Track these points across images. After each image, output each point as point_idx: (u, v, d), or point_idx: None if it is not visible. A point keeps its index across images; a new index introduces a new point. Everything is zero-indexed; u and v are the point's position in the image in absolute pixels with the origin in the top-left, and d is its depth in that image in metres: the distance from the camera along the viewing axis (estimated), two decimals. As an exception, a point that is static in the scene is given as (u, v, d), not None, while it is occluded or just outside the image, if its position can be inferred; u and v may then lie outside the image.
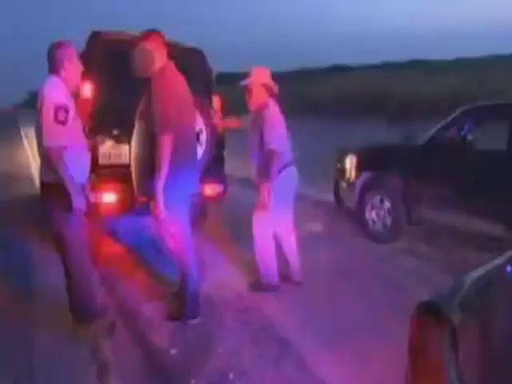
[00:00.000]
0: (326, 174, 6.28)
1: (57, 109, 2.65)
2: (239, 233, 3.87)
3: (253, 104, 3.57)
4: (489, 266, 1.15)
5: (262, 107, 3.52)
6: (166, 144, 2.83)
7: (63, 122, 2.68)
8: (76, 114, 2.84)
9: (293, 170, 3.65)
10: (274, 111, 3.53)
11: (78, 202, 2.74)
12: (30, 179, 8.29)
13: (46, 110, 2.66)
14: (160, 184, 2.85)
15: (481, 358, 0.96)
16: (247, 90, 3.57)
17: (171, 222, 3.02)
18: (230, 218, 3.86)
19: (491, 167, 4.32)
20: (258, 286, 3.66)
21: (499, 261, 1.16)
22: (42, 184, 2.87)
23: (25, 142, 15.36)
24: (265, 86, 3.53)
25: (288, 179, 3.58)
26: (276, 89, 3.60)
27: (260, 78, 3.55)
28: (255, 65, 3.63)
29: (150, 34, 3.05)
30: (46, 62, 2.88)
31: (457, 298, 1.01)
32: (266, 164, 3.43)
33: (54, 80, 2.79)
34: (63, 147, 2.69)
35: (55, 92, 2.73)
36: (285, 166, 3.53)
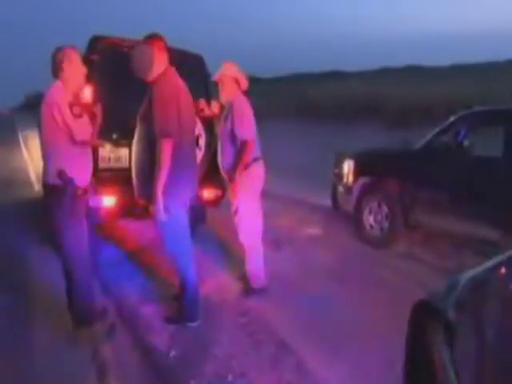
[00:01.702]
0: (323, 178, 6.31)
1: (71, 105, 2.70)
2: (238, 236, 3.89)
3: (224, 96, 3.63)
4: (483, 267, 1.18)
5: (233, 99, 3.57)
6: (166, 149, 2.85)
7: (80, 116, 2.72)
8: (82, 117, 2.88)
9: (261, 165, 3.67)
10: (244, 104, 3.58)
11: (81, 205, 2.76)
12: (28, 183, 8.30)
13: (60, 110, 2.70)
14: (159, 187, 2.88)
15: (476, 355, 0.99)
16: (220, 83, 3.62)
17: (170, 225, 3.04)
18: (228, 222, 3.88)
19: (487, 172, 4.36)
20: (249, 290, 3.69)
21: (494, 262, 1.19)
22: (45, 186, 2.90)
23: (22, 146, 15.35)
24: (235, 79, 3.59)
25: (257, 173, 3.61)
26: (246, 83, 3.65)
27: (230, 71, 3.60)
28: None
29: (151, 37, 3.08)
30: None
31: (452, 296, 1.04)
32: (238, 155, 3.47)
33: (56, 83, 2.83)
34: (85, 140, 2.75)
35: (57, 93, 2.76)
36: (254, 160, 3.56)
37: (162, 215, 2.94)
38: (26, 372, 2.64)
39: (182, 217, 3.11)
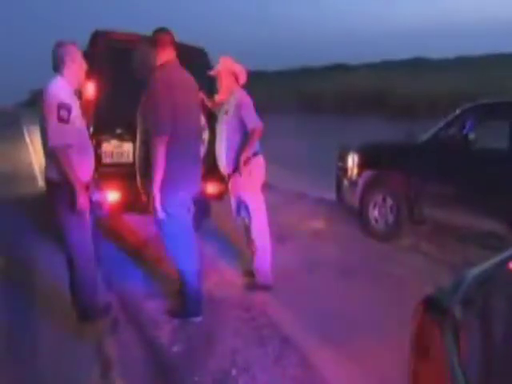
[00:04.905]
0: (327, 172, 6.28)
1: (59, 107, 2.67)
2: (241, 231, 3.88)
3: (224, 91, 3.61)
4: (490, 262, 1.15)
5: (234, 93, 3.55)
6: (159, 146, 2.80)
7: (66, 121, 2.70)
8: (80, 113, 2.87)
9: (261, 160, 3.66)
10: (245, 96, 3.57)
11: (83, 201, 2.75)
12: (33, 178, 8.31)
13: (49, 109, 2.68)
14: (156, 186, 2.84)
15: (483, 353, 0.97)
16: (218, 78, 3.60)
17: (169, 223, 3.00)
18: (232, 216, 3.87)
19: (493, 166, 4.31)
20: (253, 286, 3.68)
21: (501, 257, 1.16)
22: (47, 182, 2.89)
23: (27, 141, 15.39)
24: (234, 73, 3.57)
25: (257, 168, 3.60)
26: (244, 77, 3.64)
27: (228, 66, 3.59)
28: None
29: (158, 31, 3.04)
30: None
31: (459, 293, 1.02)
32: (246, 144, 3.45)
33: (56, 79, 2.82)
34: (68, 145, 2.71)
35: (57, 91, 2.75)
36: (254, 154, 3.56)
37: (160, 214, 2.92)
38: (29, 367, 2.64)
39: (182, 215, 3.06)
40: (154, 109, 2.82)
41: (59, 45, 2.86)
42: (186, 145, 2.96)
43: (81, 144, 2.84)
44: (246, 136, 3.47)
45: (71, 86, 2.87)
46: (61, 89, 2.78)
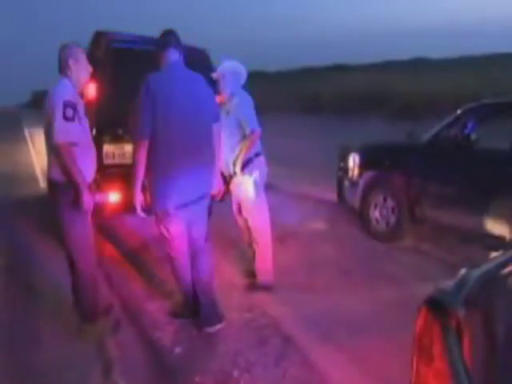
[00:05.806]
0: (328, 172, 6.28)
1: (65, 106, 2.69)
2: (243, 231, 3.87)
3: (225, 92, 3.61)
4: (495, 262, 1.15)
5: (235, 94, 3.56)
6: (139, 150, 2.82)
7: (72, 119, 2.71)
8: (84, 113, 2.88)
9: (263, 161, 3.68)
10: (246, 98, 3.59)
11: (87, 199, 2.76)
12: (34, 179, 8.32)
13: (55, 108, 2.69)
14: (136, 186, 2.87)
15: (486, 354, 0.97)
16: (219, 79, 3.61)
17: (160, 227, 3.01)
18: (232, 217, 3.87)
19: (495, 166, 4.30)
20: (254, 286, 3.68)
21: (505, 257, 1.16)
22: (50, 183, 2.89)
23: (29, 142, 15.39)
24: (234, 74, 3.58)
25: (261, 167, 3.62)
26: (245, 77, 3.66)
27: (230, 67, 3.60)
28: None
29: (162, 34, 3.05)
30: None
31: (462, 293, 1.02)
32: (246, 145, 3.46)
33: (61, 80, 2.85)
34: (72, 143, 2.72)
35: (63, 90, 2.77)
36: (256, 155, 3.57)
37: (139, 212, 2.94)
38: (31, 368, 2.64)
39: (176, 219, 2.97)
40: (135, 113, 2.83)
41: (64, 47, 2.89)
42: (176, 147, 2.89)
43: (83, 144, 2.85)
44: (245, 137, 3.48)
45: (76, 88, 2.89)
46: (66, 89, 2.80)
